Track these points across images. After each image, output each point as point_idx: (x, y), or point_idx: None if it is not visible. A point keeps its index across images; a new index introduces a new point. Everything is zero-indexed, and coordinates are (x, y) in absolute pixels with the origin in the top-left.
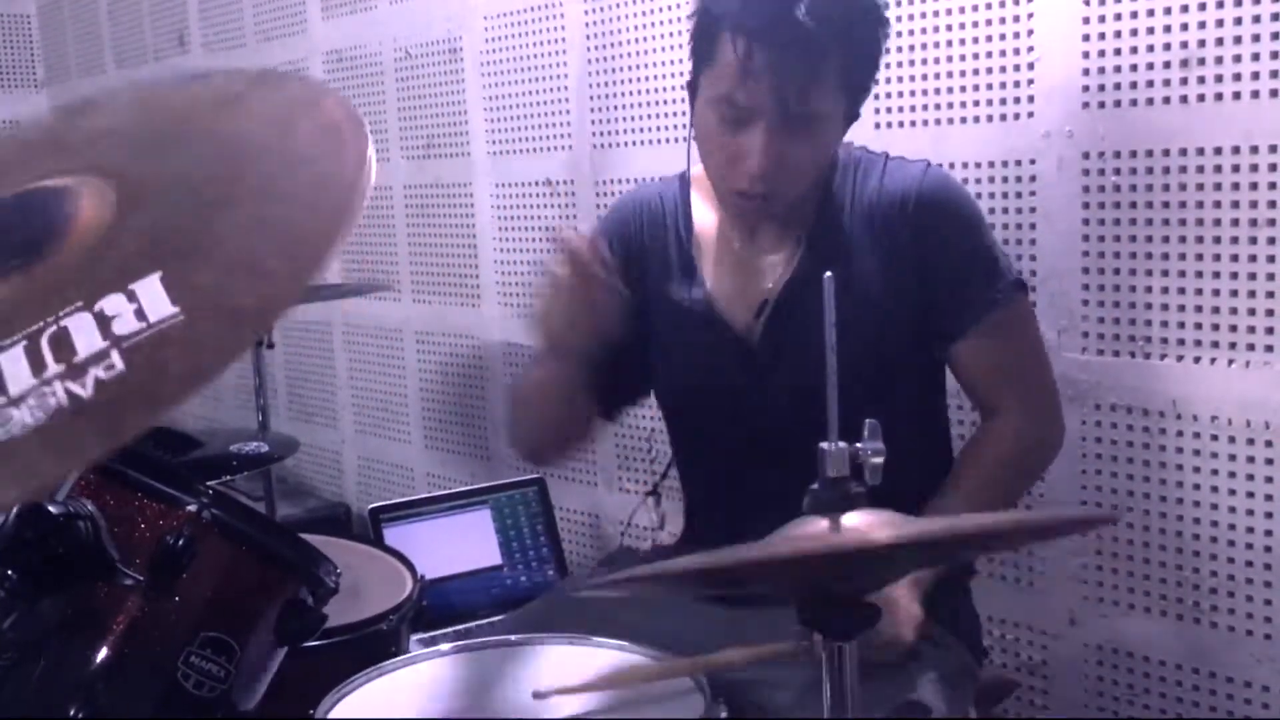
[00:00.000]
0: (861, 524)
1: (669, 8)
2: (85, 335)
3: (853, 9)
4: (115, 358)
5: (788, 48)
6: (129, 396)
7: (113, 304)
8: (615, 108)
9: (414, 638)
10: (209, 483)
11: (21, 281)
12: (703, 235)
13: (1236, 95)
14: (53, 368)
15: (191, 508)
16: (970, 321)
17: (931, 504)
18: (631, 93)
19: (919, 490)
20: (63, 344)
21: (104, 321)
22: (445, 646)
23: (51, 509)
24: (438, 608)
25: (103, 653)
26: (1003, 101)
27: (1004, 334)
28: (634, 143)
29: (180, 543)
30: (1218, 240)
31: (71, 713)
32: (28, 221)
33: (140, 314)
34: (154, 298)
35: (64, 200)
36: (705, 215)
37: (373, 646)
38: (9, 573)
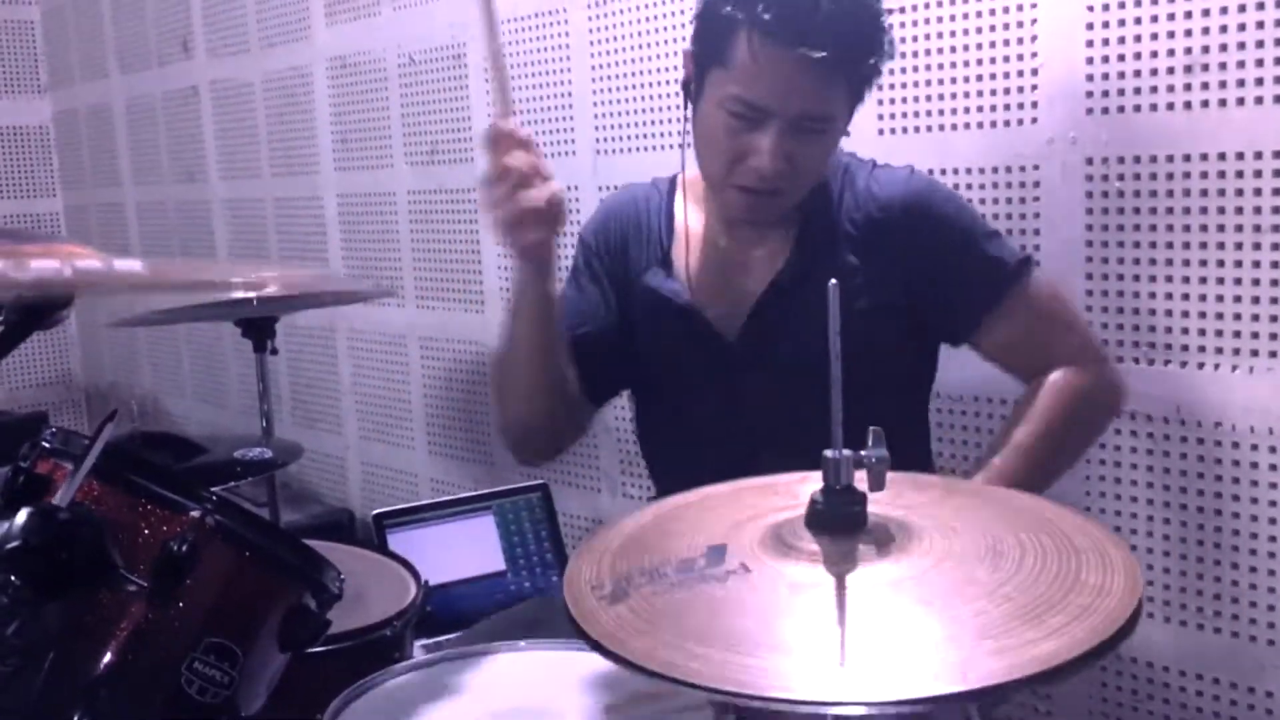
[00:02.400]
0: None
1: (673, 14)
2: (46, 264)
3: (863, 19)
4: (67, 272)
5: (809, 52)
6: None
7: (86, 261)
8: (619, 114)
9: (418, 644)
10: (213, 488)
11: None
12: (688, 235)
13: (1241, 101)
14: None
15: (195, 514)
16: (981, 314)
17: (988, 466)
18: (635, 99)
19: None
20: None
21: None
22: (444, 653)
23: (56, 515)
24: (441, 613)
25: (106, 659)
26: (1006, 107)
27: (1021, 313)
28: (637, 149)
29: (184, 549)
30: (1222, 246)
31: (75, 719)
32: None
33: (108, 265)
34: (128, 264)
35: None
36: (693, 216)
37: (376, 652)
38: (12, 579)
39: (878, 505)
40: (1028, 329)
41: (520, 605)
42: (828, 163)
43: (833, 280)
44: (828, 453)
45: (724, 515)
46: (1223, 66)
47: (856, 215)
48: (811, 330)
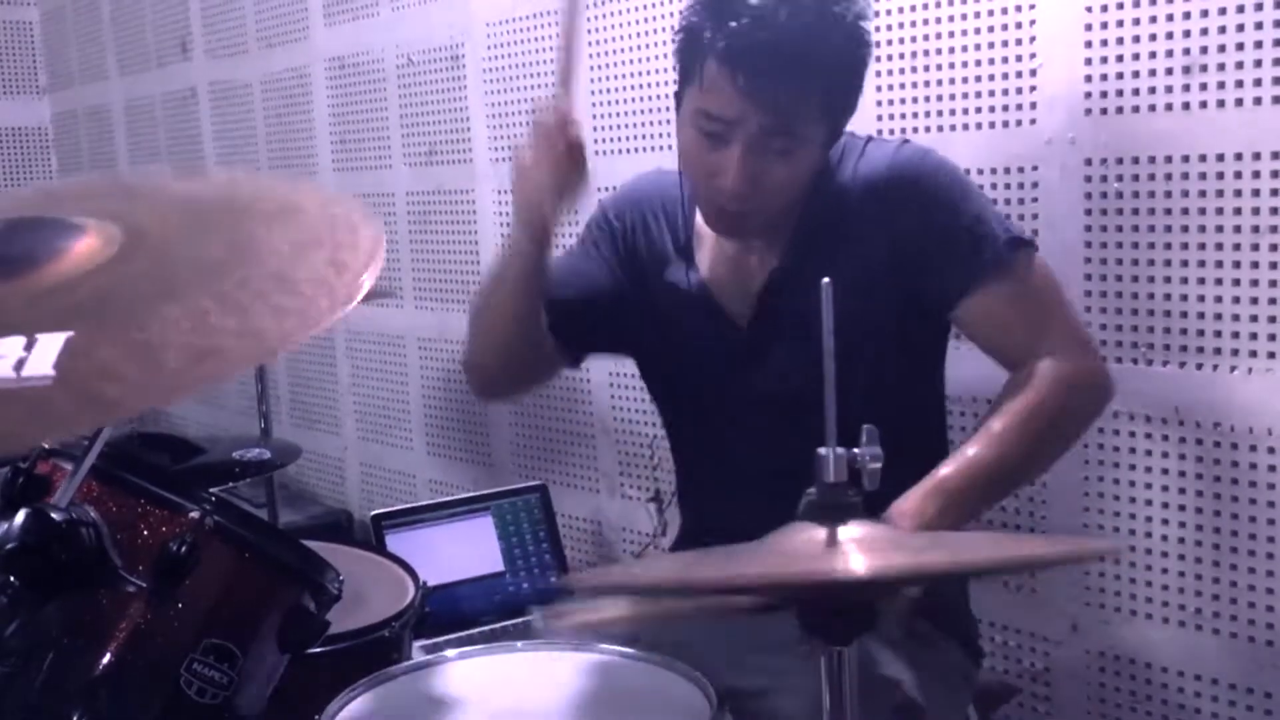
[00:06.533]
0: (858, 540)
1: (670, 15)
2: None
3: (835, 35)
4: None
5: (771, 75)
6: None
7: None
8: (616, 114)
9: (416, 644)
10: (211, 489)
11: None
12: (702, 229)
13: (1239, 102)
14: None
15: (194, 514)
16: (966, 285)
17: (959, 454)
18: (632, 99)
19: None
20: None
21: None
22: (443, 654)
23: (54, 516)
24: (440, 614)
25: (105, 659)
26: (1005, 108)
27: (1009, 292)
28: (635, 149)
29: (183, 549)
30: (1220, 247)
31: (74, 719)
32: (16, 241)
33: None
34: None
35: (65, 234)
36: None
37: (375, 653)
38: (12, 579)
39: None
40: (1014, 310)
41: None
42: (803, 180)
43: (825, 279)
44: (821, 450)
45: None
46: (1221, 67)
47: (846, 194)
48: (813, 318)
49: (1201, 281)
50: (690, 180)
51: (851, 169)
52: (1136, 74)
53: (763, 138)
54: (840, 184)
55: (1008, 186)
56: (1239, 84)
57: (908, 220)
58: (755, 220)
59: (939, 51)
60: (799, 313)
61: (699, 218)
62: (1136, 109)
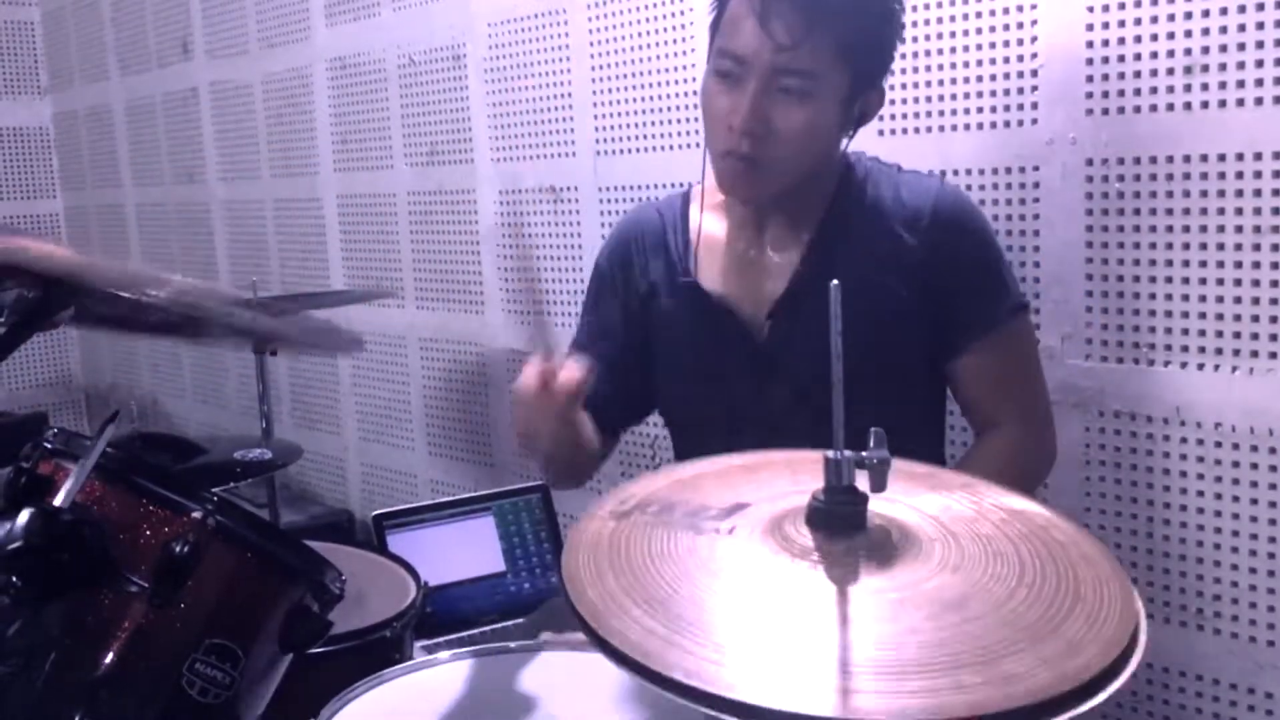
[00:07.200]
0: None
1: (672, 15)
2: None
3: None
4: None
5: (788, 5)
6: None
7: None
8: (619, 114)
9: (417, 644)
10: (213, 489)
11: None
12: (709, 241)
13: (1240, 102)
14: None
15: (196, 514)
16: (972, 338)
17: None
18: (635, 99)
19: None
20: None
21: None
22: (445, 654)
23: (57, 516)
24: (441, 614)
25: (107, 659)
26: (1006, 108)
27: (1003, 352)
28: (637, 149)
29: (185, 549)
30: (1221, 247)
31: (76, 719)
32: None
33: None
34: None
35: None
36: (712, 223)
37: (376, 653)
38: (14, 579)
39: (887, 504)
40: (1002, 369)
41: (534, 613)
42: (817, 138)
43: (834, 281)
44: (829, 453)
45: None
46: (1222, 67)
47: (879, 222)
48: (827, 332)
49: (1203, 282)
50: (707, 134)
51: (888, 197)
52: (1138, 74)
53: (776, 75)
54: (871, 209)
55: (1008, 186)
56: (1240, 84)
57: (942, 265)
58: (766, 175)
59: (940, 51)
60: (818, 324)
61: (705, 235)
62: (1138, 109)
